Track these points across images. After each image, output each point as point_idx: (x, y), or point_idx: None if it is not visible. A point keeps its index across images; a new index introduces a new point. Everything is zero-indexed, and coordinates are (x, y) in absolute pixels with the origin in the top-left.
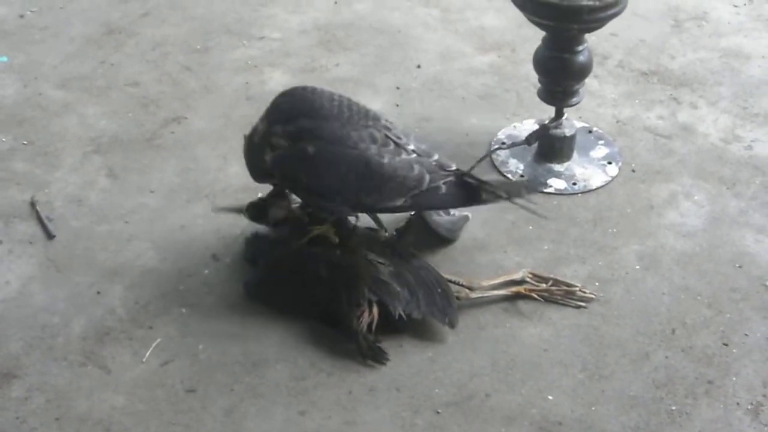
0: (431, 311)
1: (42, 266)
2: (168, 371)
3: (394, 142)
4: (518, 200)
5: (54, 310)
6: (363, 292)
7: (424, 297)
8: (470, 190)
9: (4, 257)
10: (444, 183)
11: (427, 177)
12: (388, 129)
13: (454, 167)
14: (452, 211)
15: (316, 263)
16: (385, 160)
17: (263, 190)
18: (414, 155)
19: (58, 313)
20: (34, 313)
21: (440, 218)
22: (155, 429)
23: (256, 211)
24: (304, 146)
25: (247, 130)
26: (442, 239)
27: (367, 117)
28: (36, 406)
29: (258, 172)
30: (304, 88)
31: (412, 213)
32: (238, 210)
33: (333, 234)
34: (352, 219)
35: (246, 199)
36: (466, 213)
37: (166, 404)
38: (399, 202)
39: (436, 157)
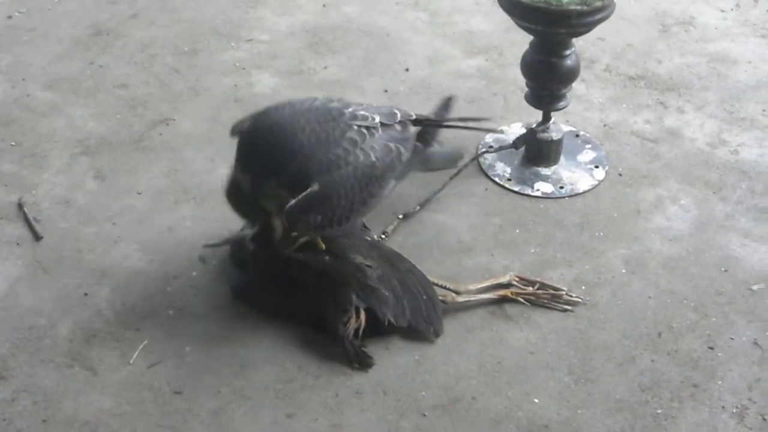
0: (416, 320)
1: (29, 267)
2: (155, 373)
3: (367, 129)
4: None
5: (41, 312)
6: (350, 298)
7: (409, 304)
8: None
9: None
10: (415, 144)
11: (402, 150)
12: (355, 117)
13: (413, 115)
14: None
15: (302, 269)
16: (372, 159)
17: None
18: (382, 129)
19: (45, 315)
20: (21, 314)
21: (434, 156)
22: (142, 431)
23: (264, 239)
24: (308, 190)
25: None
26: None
27: (335, 120)
28: (23, 408)
29: (257, 216)
30: (269, 126)
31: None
32: (231, 242)
33: (318, 240)
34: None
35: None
36: (460, 151)
37: (153, 406)
38: (391, 186)
39: (398, 116)
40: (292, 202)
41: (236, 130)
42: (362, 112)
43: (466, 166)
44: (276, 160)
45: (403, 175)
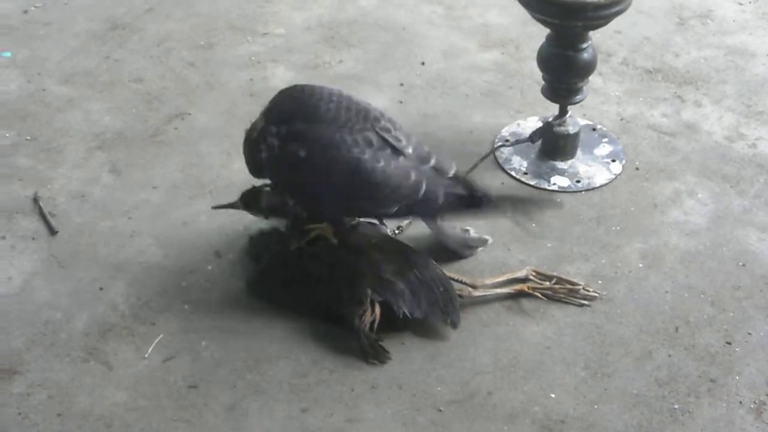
0: (433, 311)
1: (45, 262)
2: (170, 367)
3: (392, 146)
4: (517, 218)
5: (56, 306)
6: (365, 291)
7: (425, 296)
8: (469, 201)
9: (7, 253)
10: (443, 192)
11: (424, 185)
12: (388, 131)
13: (453, 172)
14: (471, 230)
15: (317, 263)
16: (379, 165)
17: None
18: (411, 160)
19: (61, 309)
20: (36, 308)
21: (454, 232)
22: (157, 425)
23: (249, 199)
24: (294, 149)
25: (249, 125)
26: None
27: (366, 119)
28: (38, 402)
29: (254, 168)
30: (303, 88)
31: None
32: (234, 204)
33: (331, 234)
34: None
35: None
36: (486, 237)
37: (168, 400)
38: (393, 209)
39: (433, 161)
40: (277, 147)
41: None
42: (397, 134)
43: (482, 160)
44: (288, 113)
45: (413, 213)
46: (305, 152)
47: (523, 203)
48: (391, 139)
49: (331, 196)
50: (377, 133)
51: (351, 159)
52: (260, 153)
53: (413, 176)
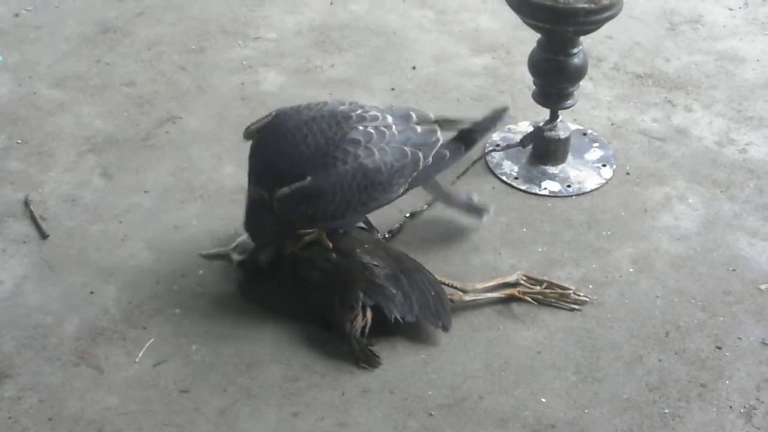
0: (424, 315)
1: (35, 266)
2: (161, 372)
3: (375, 128)
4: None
5: (47, 310)
6: (357, 295)
7: (417, 300)
8: (461, 141)
9: None
10: (437, 150)
11: (421, 156)
12: (363, 119)
13: (432, 117)
14: (475, 196)
15: (309, 267)
16: (377, 157)
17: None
18: (397, 129)
19: (52, 313)
20: (27, 312)
21: (458, 196)
22: (148, 429)
23: (246, 262)
24: (300, 182)
25: (241, 130)
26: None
27: (340, 124)
28: (29, 406)
29: (269, 232)
30: (273, 136)
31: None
32: (224, 256)
33: (325, 238)
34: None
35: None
36: (488, 206)
37: (159, 405)
38: (401, 190)
39: (414, 118)
40: (284, 189)
41: (247, 135)
42: (372, 113)
43: (473, 164)
44: (280, 171)
45: (423, 180)
46: (310, 180)
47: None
48: (371, 126)
49: (348, 209)
50: (356, 128)
51: (353, 167)
52: (271, 218)
53: (410, 153)
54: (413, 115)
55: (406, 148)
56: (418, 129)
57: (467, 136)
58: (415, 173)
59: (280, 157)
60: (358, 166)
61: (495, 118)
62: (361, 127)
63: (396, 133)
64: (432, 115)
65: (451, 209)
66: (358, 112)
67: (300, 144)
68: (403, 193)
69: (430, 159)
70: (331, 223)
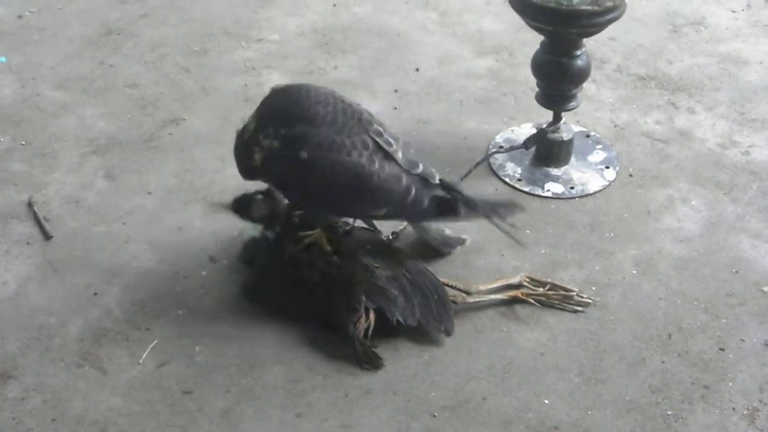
0: (427, 319)
1: (39, 267)
2: (164, 373)
3: (384, 150)
4: (495, 221)
5: (51, 311)
6: (359, 298)
7: (419, 304)
8: (450, 205)
9: (2, 257)
10: (429, 198)
11: (413, 191)
12: (380, 134)
13: (437, 179)
14: (447, 230)
15: (311, 269)
16: (375, 169)
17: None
18: (400, 163)
19: (55, 314)
20: (31, 313)
21: (434, 230)
22: (151, 430)
23: (239, 204)
24: (296, 151)
25: None
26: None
27: (360, 122)
28: (32, 407)
29: (246, 170)
30: (299, 89)
31: None
32: (227, 206)
33: (325, 241)
34: (348, 221)
35: None
36: (464, 237)
37: (162, 406)
38: (382, 212)
39: (420, 168)
40: (276, 148)
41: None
42: (387, 137)
43: (476, 166)
44: (286, 115)
45: (397, 216)
46: (307, 154)
47: (504, 207)
48: (383, 143)
49: (329, 199)
50: (371, 136)
51: (351, 163)
52: (254, 155)
53: (404, 181)
54: (420, 166)
55: (403, 176)
56: (419, 173)
57: (453, 200)
58: (399, 204)
59: (294, 106)
60: (357, 165)
61: (493, 211)
62: (375, 138)
63: (397, 167)
64: (438, 177)
65: (424, 239)
66: (378, 127)
67: (320, 105)
68: (381, 216)
69: (423, 200)
70: (301, 201)
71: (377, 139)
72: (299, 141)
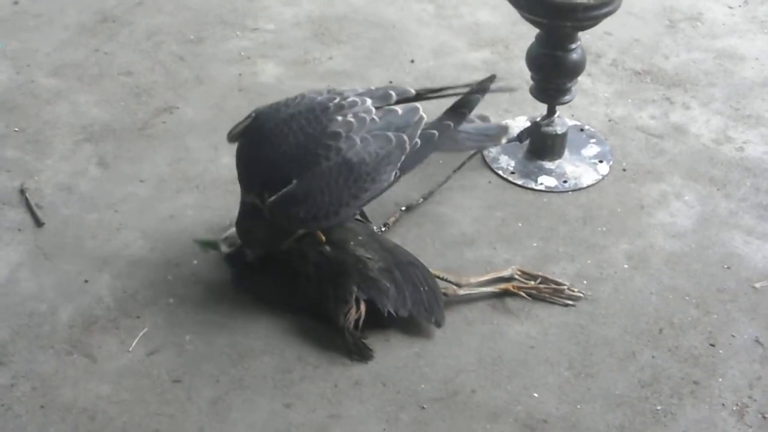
0: (417, 310)
1: (30, 254)
2: (154, 361)
3: (355, 116)
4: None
5: (41, 298)
6: (351, 289)
7: (411, 295)
8: (449, 118)
9: None
10: (423, 131)
11: (406, 138)
12: (341, 108)
13: (412, 91)
14: (482, 123)
15: (303, 260)
16: (359, 147)
17: None
18: (377, 114)
19: (46, 301)
20: (21, 300)
21: (471, 127)
22: (140, 418)
23: (233, 257)
24: (287, 189)
25: (238, 120)
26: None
27: (318, 117)
28: (21, 394)
29: (277, 242)
30: (254, 140)
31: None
32: (214, 244)
33: (319, 232)
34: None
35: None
36: (504, 123)
37: (151, 394)
38: (392, 177)
39: (394, 97)
40: (273, 197)
41: (231, 138)
42: (351, 98)
43: (469, 158)
44: (265, 175)
45: (414, 163)
46: (295, 182)
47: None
48: (350, 114)
49: (340, 205)
50: (335, 120)
51: (337, 163)
52: (262, 223)
53: (394, 138)
54: (393, 93)
55: (389, 133)
56: (399, 111)
57: (456, 112)
58: (403, 157)
59: (264, 161)
60: (342, 161)
61: (482, 89)
62: (340, 118)
63: (377, 118)
64: (413, 90)
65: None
66: (336, 101)
67: (281, 145)
68: (395, 181)
69: (417, 141)
70: (325, 223)
71: (343, 116)
72: (286, 182)
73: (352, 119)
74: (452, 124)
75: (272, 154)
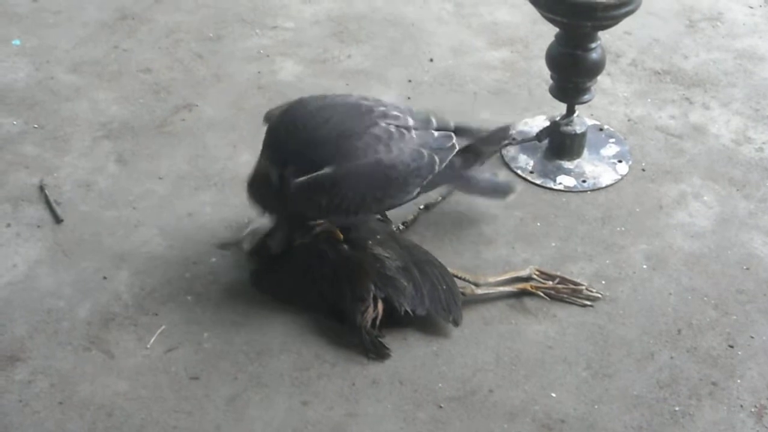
0: (435, 309)
1: (49, 250)
2: (172, 358)
3: (396, 128)
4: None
5: (60, 295)
6: (368, 287)
7: (428, 294)
8: (474, 150)
9: (12, 240)
10: (453, 156)
11: (437, 159)
12: (385, 116)
13: (452, 125)
14: (494, 177)
15: (321, 258)
16: (394, 155)
17: None
18: (416, 133)
19: (64, 298)
20: (40, 296)
21: (482, 178)
22: (158, 415)
23: (256, 248)
24: (318, 172)
25: (258, 119)
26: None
27: (362, 116)
28: (39, 390)
29: (271, 208)
30: (293, 116)
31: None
32: (236, 243)
33: (336, 230)
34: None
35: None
36: (514, 183)
37: (169, 391)
38: (416, 191)
39: (434, 123)
40: (302, 178)
41: (267, 118)
42: (394, 112)
43: (488, 157)
44: (296, 150)
45: (434, 185)
46: (329, 171)
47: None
48: (392, 123)
49: (363, 205)
50: (378, 124)
51: (373, 163)
52: (283, 196)
53: (426, 155)
54: (434, 120)
55: (423, 150)
56: (435, 134)
57: (476, 151)
58: (430, 176)
59: (300, 137)
60: (376, 162)
61: (500, 136)
62: (383, 124)
63: (414, 136)
64: (452, 123)
65: (472, 194)
66: (381, 108)
67: (321, 127)
68: (416, 196)
69: (445, 164)
70: (343, 218)
71: (385, 123)
72: (318, 166)
73: (393, 129)
74: (472, 160)
75: (310, 133)
